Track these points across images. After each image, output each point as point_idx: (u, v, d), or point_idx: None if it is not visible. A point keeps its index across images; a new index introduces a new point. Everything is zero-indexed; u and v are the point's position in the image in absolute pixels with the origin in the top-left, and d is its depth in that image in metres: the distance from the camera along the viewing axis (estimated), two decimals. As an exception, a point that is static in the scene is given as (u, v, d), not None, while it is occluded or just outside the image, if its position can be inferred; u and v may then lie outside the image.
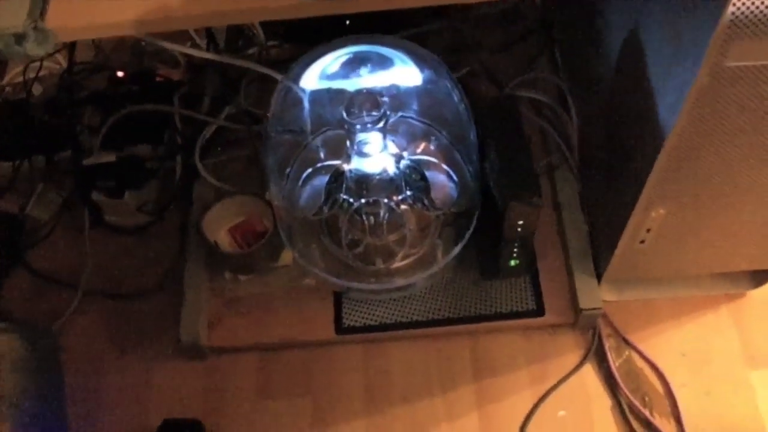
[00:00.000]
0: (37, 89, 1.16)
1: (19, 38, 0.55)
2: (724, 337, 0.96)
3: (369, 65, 0.85)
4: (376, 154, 0.82)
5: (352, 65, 0.85)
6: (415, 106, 0.89)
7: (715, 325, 0.97)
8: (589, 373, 0.94)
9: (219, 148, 1.09)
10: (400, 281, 0.92)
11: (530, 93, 1.10)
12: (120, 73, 1.12)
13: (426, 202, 0.88)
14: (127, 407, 0.96)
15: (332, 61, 0.85)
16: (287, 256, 0.99)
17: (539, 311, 0.95)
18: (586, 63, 0.98)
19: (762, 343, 0.95)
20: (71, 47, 1.06)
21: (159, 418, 0.92)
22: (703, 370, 0.94)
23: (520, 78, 1.12)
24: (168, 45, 0.80)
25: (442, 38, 1.16)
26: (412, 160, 0.88)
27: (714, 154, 0.68)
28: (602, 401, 0.93)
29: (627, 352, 0.95)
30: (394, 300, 0.97)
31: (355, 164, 0.84)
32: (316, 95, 0.86)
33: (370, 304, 0.97)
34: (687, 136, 0.66)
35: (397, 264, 0.92)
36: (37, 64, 1.13)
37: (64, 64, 1.15)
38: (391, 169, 0.85)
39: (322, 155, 0.89)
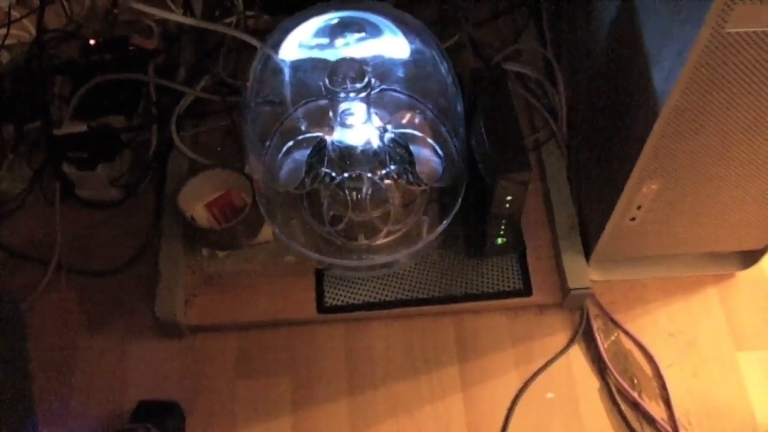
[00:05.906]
0: (4, 57, 1.12)
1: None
2: (711, 318, 0.95)
3: (354, 32, 0.81)
4: (360, 126, 0.80)
5: (336, 32, 0.82)
6: (401, 77, 0.86)
7: (703, 306, 0.96)
8: (577, 354, 0.93)
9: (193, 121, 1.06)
10: (383, 258, 0.89)
11: (516, 67, 1.07)
12: (92, 41, 1.08)
13: (411, 176, 0.85)
14: (101, 388, 0.94)
15: (315, 27, 0.82)
16: (267, 232, 0.96)
17: (526, 291, 0.93)
18: (576, 33, 0.96)
19: (749, 325, 0.95)
20: (40, 13, 1.01)
21: (134, 399, 0.90)
22: (691, 351, 0.93)
23: (505, 51, 1.09)
24: (143, 8, 0.77)
25: (426, 9, 1.13)
26: (396, 134, 0.85)
27: (711, 124, 0.67)
28: (590, 383, 0.91)
29: (615, 333, 0.94)
30: (378, 278, 0.95)
31: (338, 135, 0.81)
32: (298, 63, 0.83)
33: (352, 282, 0.95)
34: (683, 105, 0.65)
35: (381, 241, 0.90)
36: (4, 31, 1.08)
37: (33, 32, 1.11)
38: (375, 143, 0.83)
39: (303, 127, 0.86)
